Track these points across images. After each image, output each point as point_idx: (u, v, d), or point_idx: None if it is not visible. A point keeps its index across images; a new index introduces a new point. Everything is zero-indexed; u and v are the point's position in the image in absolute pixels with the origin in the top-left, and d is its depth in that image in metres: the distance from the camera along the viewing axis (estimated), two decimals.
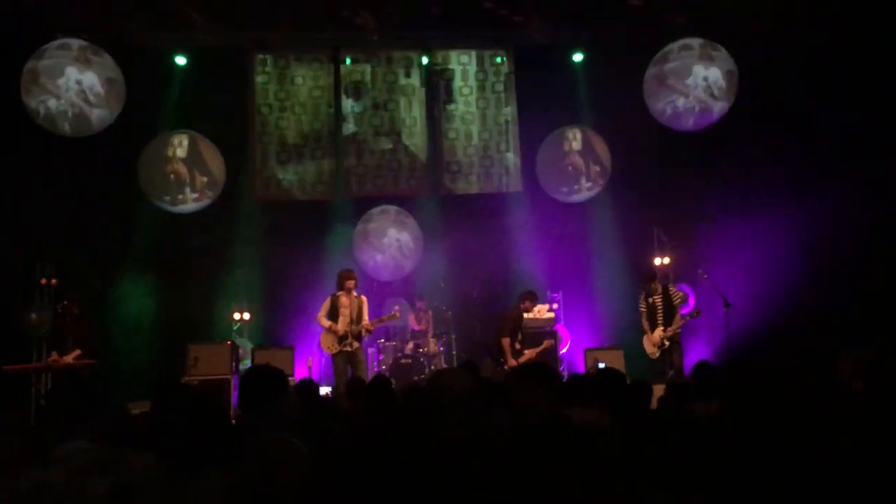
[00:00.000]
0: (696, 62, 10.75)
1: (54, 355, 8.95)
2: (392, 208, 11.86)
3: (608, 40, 11.58)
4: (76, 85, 10.23)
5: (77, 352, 8.85)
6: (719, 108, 10.74)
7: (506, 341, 9.56)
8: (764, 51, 10.53)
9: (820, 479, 2.41)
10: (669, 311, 9.47)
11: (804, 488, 2.40)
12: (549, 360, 9.83)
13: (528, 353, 9.65)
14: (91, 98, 10.30)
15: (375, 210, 11.82)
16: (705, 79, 10.76)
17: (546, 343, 10.07)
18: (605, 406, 4.33)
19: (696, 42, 10.84)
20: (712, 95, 10.74)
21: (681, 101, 10.79)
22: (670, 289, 9.78)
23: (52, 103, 10.15)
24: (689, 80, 10.79)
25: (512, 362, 9.40)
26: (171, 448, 2.52)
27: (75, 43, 10.36)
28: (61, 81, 10.20)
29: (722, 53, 10.76)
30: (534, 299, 9.95)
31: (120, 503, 2.14)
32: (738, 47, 10.74)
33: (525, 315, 9.93)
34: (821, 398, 3.48)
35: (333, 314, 9.30)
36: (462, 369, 2.81)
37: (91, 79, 10.30)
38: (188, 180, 11.19)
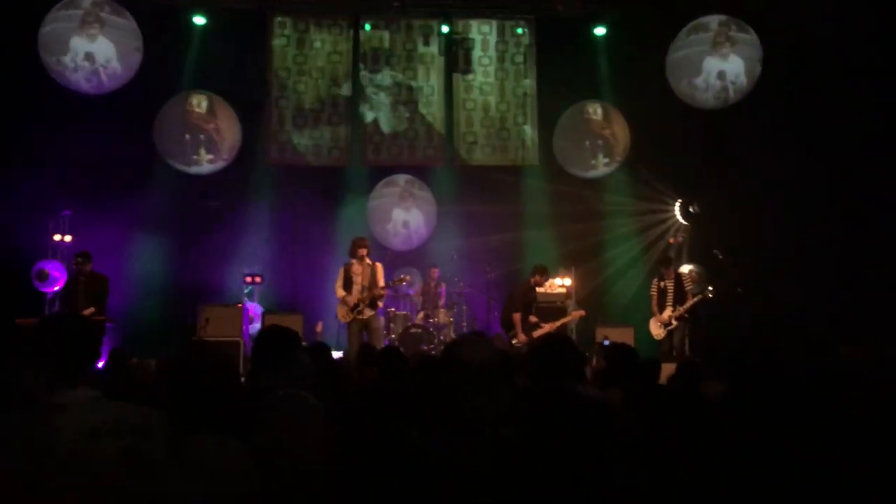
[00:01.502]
0: (709, 51, 10.58)
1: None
2: (402, 179, 11.80)
3: (631, 14, 11.42)
4: (86, 62, 10.23)
5: (91, 309, 8.89)
6: (737, 96, 10.65)
7: (516, 316, 9.58)
8: (793, 28, 10.31)
9: (819, 465, 2.40)
10: (680, 296, 9.50)
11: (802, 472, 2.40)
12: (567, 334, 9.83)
13: (547, 327, 9.64)
14: (103, 68, 10.33)
15: (380, 184, 11.79)
16: (721, 75, 10.60)
17: (573, 315, 10.10)
18: (615, 382, 4.33)
19: (713, 21, 10.64)
20: (731, 93, 10.66)
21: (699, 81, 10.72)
22: (683, 275, 9.79)
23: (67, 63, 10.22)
24: (700, 80, 10.67)
25: (522, 337, 9.41)
26: (183, 406, 2.51)
27: (86, 2, 10.30)
28: (67, 58, 10.20)
29: (746, 36, 10.56)
30: (545, 273, 9.90)
31: (135, 466, 2.12)
32: (766, 25, 10.56)
33: (537, 289, 9.91)
34: (822, 385, 3.47)
35: (347, 283, 9.25)
36: (482, 339, 2.79)
37: (103, 48, 10.26)
38: (208, 139, 11.18)
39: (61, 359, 2.28)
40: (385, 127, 11.83)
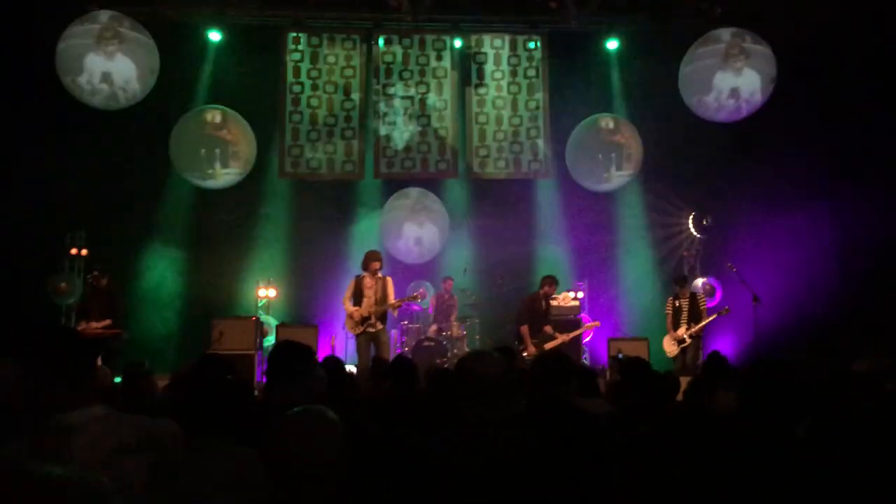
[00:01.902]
0: (721, 65, 10.52)
1: (83, 324, 9.07)
2: (414, 191, 11.83)
3: (644, 28, 11.45)
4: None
5: (107, 321, 8.97)
6: (749, 110, 10.59)
7: (523, 329, 9.56)
8: (804, 41, 10.30)
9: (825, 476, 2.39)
10: (695, 314, 9.53)
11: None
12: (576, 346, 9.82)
13: (561, 338, 9.62)
14: (122, 90, 10.35)
15: (393, 197, 11.82)
16: (734, 93, 10.55)
17: (588, 326, 10.11)
18: (628, 396, 4.31)
19: (725, 34, 10.61)
20: (744, 110, 10.61)
21: (711, 97, 10.67)
22: (698, 295, 9.80)
23: (84, 83, 10.25)
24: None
25: (531, 349, 9.38)
26: (196, 418, 2.52)
27: (103, 16, 10.30)
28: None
29: (760, 48, 10.51)
30: (553, 284, 9.85)
31: (164, 479, 2.12)
32: (777, 38, 10.53)
33: (551, 302, 9.90)
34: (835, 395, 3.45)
35: (358, 296, 9.22)
36: (496, 353, 2.80)
37: (121, 67, 10.24)
38: (223, 153, 11.23)
39: (64, 377, 2.24)
40: (398, 141, 11.88)
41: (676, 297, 9.75)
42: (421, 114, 11.92)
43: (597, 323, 10.39)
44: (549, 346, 9.51)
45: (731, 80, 10.54)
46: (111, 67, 10.28)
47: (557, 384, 3.42)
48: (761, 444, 2.54)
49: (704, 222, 10.72)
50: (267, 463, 2.06)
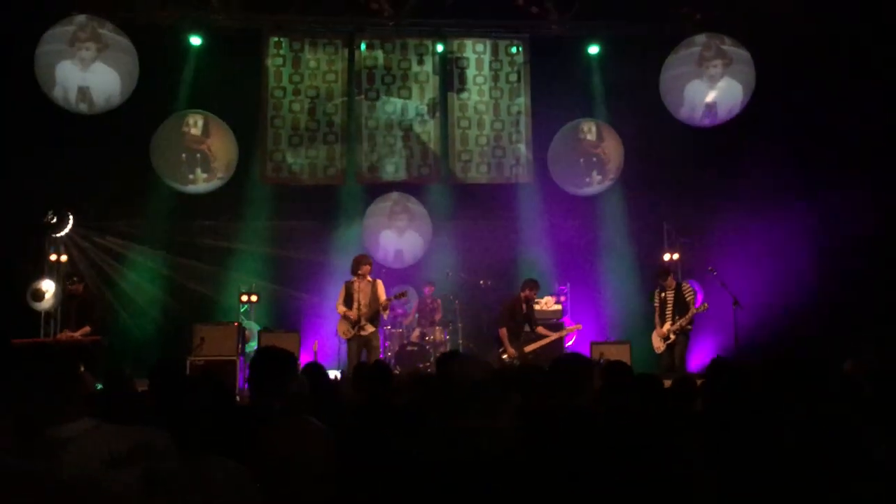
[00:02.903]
0: (696, 72, 10.59)
1: (66, 332, 8.99)
2: (394, 194, 11.82)
3: (625, 33, 11.53)
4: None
5: (86, 328, 8.89)
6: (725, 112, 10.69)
7: (502, 331, 9.56)
8: (782, 45, 10.39)
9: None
10: (680, 307, 9.40)
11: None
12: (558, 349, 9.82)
13: (541, 342, 9.64)
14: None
15: (375, 202, 11.80)
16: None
17: (567, 330, 10.10)
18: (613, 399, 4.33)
19: (701, 37, 10.70)
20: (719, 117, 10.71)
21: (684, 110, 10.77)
22: (684, 286, 9.69)
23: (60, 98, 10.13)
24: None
25: (511, 351, 9.39)
26: (180, 427, 2.51)
27: (81, 18, 10.15)
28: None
29: (739, 52, 10.58)
30: (534, 287, 9.85)
31: (157, 489, 2.10)
32: (756, 42, 10.63)
33: (526, 304, 9.89)
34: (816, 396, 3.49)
35: (349, 300, 9.22)
36: (475, 358, 2.80)
37: (101, 80, 10.11)
38: (204, 158, 11.15)
39: (48, 393, 2.22)
40: (380, 146, 11.87)
41: (662, 290, 9.69)
42: (403, 119, 11.92)
43: (578, 326, 10.42)
44: (529, 348, 9.55)
45: (708, 92, 10.61)
46: (89, 81, 10.08)
47: (577, 390, 3.41)
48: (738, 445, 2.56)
49: (709, 269, 10.55)
50: (254, 470, 2.05)
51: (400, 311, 11.17)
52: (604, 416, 3.59)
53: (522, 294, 9.76)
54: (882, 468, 2.28)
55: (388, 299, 9.32)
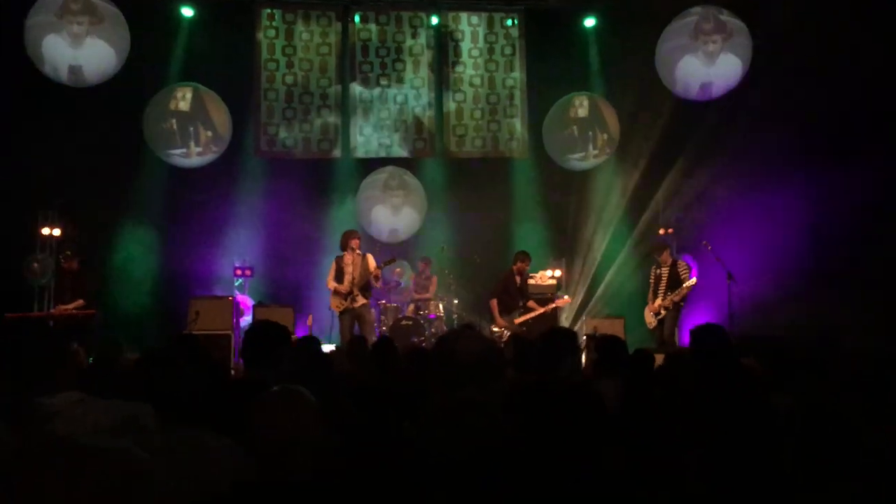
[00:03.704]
0: (691, 46, 10.49)
1: (59, 307, 8.97)
2: (388, 169, 11.78)
3: (621, 5, 11.42)
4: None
5: (80, 301, 8.87)
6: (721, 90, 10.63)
7: (492, 302, 9.69)
8: (784, 18, 10.28)
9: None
10: (674, 283, 9.45)
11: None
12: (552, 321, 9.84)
13: (532, 314, 9.67)
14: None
15: (369, 176, 11.75)
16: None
17: (558, 302, 10.10)
18: (608, 373, 4.35)
19: (694, 13, 10.56)
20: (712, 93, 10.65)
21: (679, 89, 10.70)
22: (679, 263, 9.71)
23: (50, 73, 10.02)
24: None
25: (500, 322, 9.48)
26: (169, 399, 2.50)
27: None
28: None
29: (736, 23, 10.48)
30: (525, 259, 9.89)
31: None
32: (753, 13, 10.53)
33: (519, 276, 9.90)
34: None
35: (339, 275, 9.29)
36: (472, 332, 2.81)
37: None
38: (197, 131, 11.08)
39: (31, 367, 2.22)
40: (374, 119, 11.81)
41: (658, 266, 9.73)
42: (398, 92, 11.84)
43: (567, 299, 10.46)
44: (518, 320, 9.60)
45: (703, 70, 10.54)
46: (81, 58, 10.00)
47: (559, 361, 3.43)
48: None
49: (704, 244, 10.53)
50: (246, 442, 2.05)
51: (393, 283, 11.19)
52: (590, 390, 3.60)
53: (514, 267, 9.80)
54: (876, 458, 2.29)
55: (379, 267, 9.36)
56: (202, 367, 2.72)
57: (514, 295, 9.76)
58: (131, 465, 1.13)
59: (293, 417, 2.00)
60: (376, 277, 9.35)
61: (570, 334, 4.02)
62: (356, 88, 11.79)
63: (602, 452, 2.05)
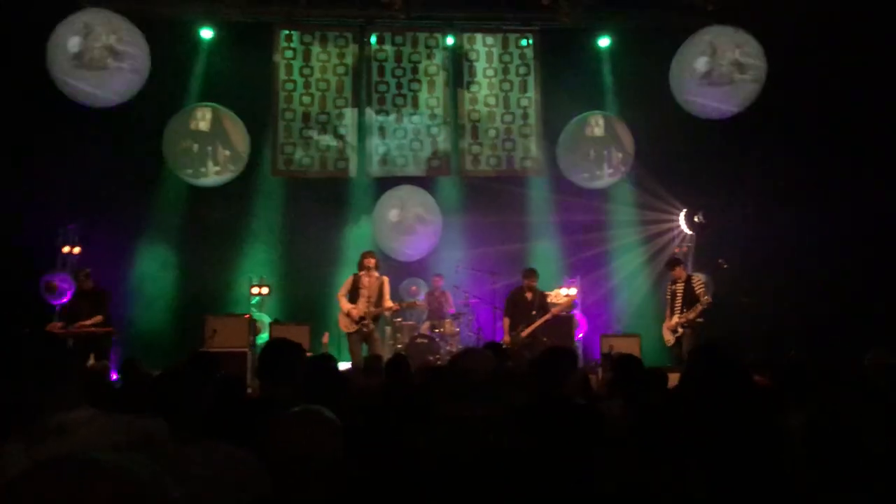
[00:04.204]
0: (705, 67, 10.57)
1: (79, 324, 9.07)
2: (404, 188, 11.85)
3: (635, 25, 11.47)
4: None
5: (98, 318, 8.98)
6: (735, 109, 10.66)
7: (505, 321, 9.74)
8: (798, 34, 10.29)
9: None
10: (690, 298, 9.38)
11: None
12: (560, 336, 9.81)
13: (532, 326, 9.68)
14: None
15: (384, 196, 11.83)
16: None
17: (554, 311, 10.02)
18: (621, 392, 4.35)
19: (708, 32, 10.63)
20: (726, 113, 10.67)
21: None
22: (694, 278, 9.66)
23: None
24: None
25: (506, 339, 9.54)
26: (184, 415, 2.53)
27: (90, 15, 10.20)
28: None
29: (750, 62, 10.50)
30: (531, 276, 9.90)
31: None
32: (768, 30, 10.54)
33: (531, 292, 9.90)
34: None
35: (354, 294, 9.33)
36: (486, 350, 2.83)
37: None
38: (215, 150, 11.21)
39: (47, 381, 2.20)
40: (390, 139, 11.89)
41: (674, 282, 9.70)
42: (413, 112, 11.93)
43: (568, 297, 10.41)
44: (524, 333, 9.61)
45: (718, 90, 10.58)
46: (100, 88, 10.20)
47: (560, 379, 3.45)
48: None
49: (696, 219, 10.71)
50: (265, 461, 2.08)
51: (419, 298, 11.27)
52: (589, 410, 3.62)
53: (524, 283, 9.87)
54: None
55: (398, 305, 9.47)
56: (218, 384, 2.75)
57: (524, 311, 9.78)
58: (145, 481, 1.16)
59: (311, 435, 2.02)
60: (390, 311, 9.46)
61: (570, 353, 4.04)
62: (372, 108, 11.89)
63: (599, 470, 2.07)
